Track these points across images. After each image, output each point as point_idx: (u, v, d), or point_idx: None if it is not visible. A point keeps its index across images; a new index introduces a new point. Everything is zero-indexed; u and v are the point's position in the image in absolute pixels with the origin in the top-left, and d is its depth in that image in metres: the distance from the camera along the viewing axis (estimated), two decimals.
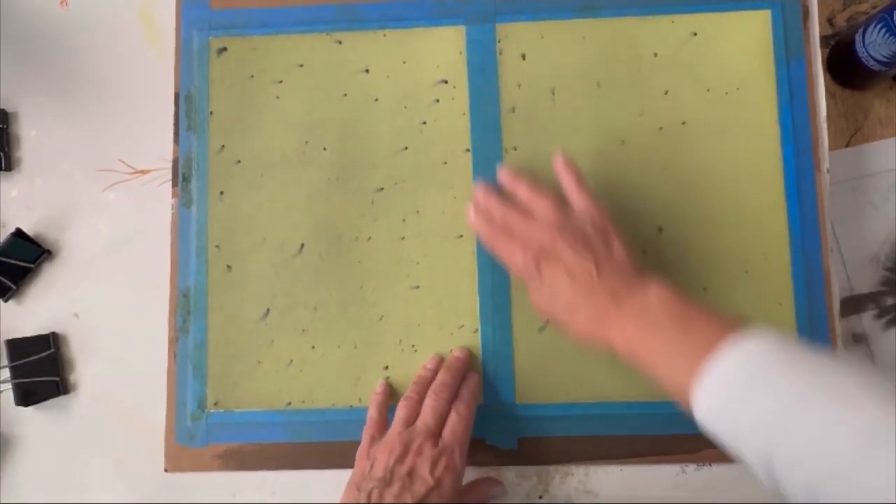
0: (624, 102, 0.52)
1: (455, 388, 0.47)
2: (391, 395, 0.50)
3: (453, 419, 0.45)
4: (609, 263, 0.42)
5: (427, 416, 0.45)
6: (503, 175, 0.49)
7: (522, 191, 0.47)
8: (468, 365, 0.50)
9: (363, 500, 0.41)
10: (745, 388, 0.34)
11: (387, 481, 0.42)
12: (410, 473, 0.42)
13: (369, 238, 0.52)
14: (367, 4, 0.53)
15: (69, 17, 0.56)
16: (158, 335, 0.52)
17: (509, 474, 0.50)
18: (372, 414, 0.48)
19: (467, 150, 0.52)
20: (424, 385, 0.47)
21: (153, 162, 0.54)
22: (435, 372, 0.49)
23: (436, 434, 0.44)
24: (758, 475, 0.34)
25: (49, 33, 0.56)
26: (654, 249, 0.51)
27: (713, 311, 0.39)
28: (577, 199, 0.46)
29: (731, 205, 0.51)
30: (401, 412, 0.46)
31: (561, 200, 0.46)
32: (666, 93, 0.52)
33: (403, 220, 0.52)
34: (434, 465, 0.42)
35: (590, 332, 0.42)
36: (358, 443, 0.47)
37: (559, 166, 0.47)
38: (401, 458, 0.43)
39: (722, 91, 0.52)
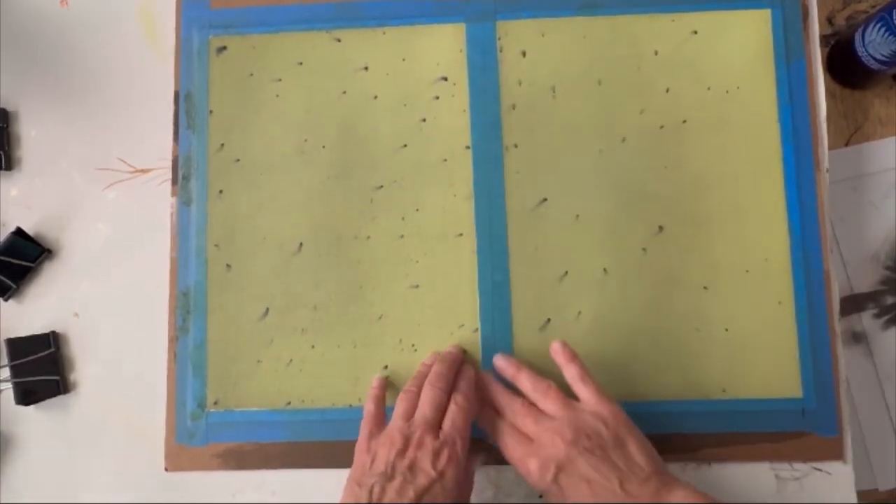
0: (624, 100, 0.52)
1: (451, 378, 0.47)
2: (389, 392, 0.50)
3: (452, 410, 0.45)
4: (630, 472, 0.41)
5: (425, 407, 0.45)
6: (502, 365, 0.48)
7: (524, 383, 0.47)
8: (462, 359, 0.49)
9: (364, 497, 0.40)
10: None
11: (388, 476, 0.41)
12: (412, 467, 0.41)
13: (368, 237, 0.52)
14: (367, 2, 0.53)
15: (69, 15, 0.56)
16: (158, 335, 0.52)
17: (509, 474, 0.50)
18: (369, 408, 0.47)
19: (467, 148, 0.52)
20: (424, 379, 0.47)
21: (153, 161, 0.54)
22: None
23: (435, 426, 0.44)
24: None
25: (49, 32, 0.56)
26: (655, 249, 0.51)
27: None
28: (585, 393, 0.45)
29: (731, 204, 0.51)
30: (400, 405, 0.46)
31: (566, 395, 0.45)
32: (667, 91, 0.52)
33: (403, 218, 0.52)
34: (436, 457, 0.42)
35: None
36: None
37: (560, 358, 0.47)
38: (401, 452, 0.42)
39: (722, 90, 0.52)
